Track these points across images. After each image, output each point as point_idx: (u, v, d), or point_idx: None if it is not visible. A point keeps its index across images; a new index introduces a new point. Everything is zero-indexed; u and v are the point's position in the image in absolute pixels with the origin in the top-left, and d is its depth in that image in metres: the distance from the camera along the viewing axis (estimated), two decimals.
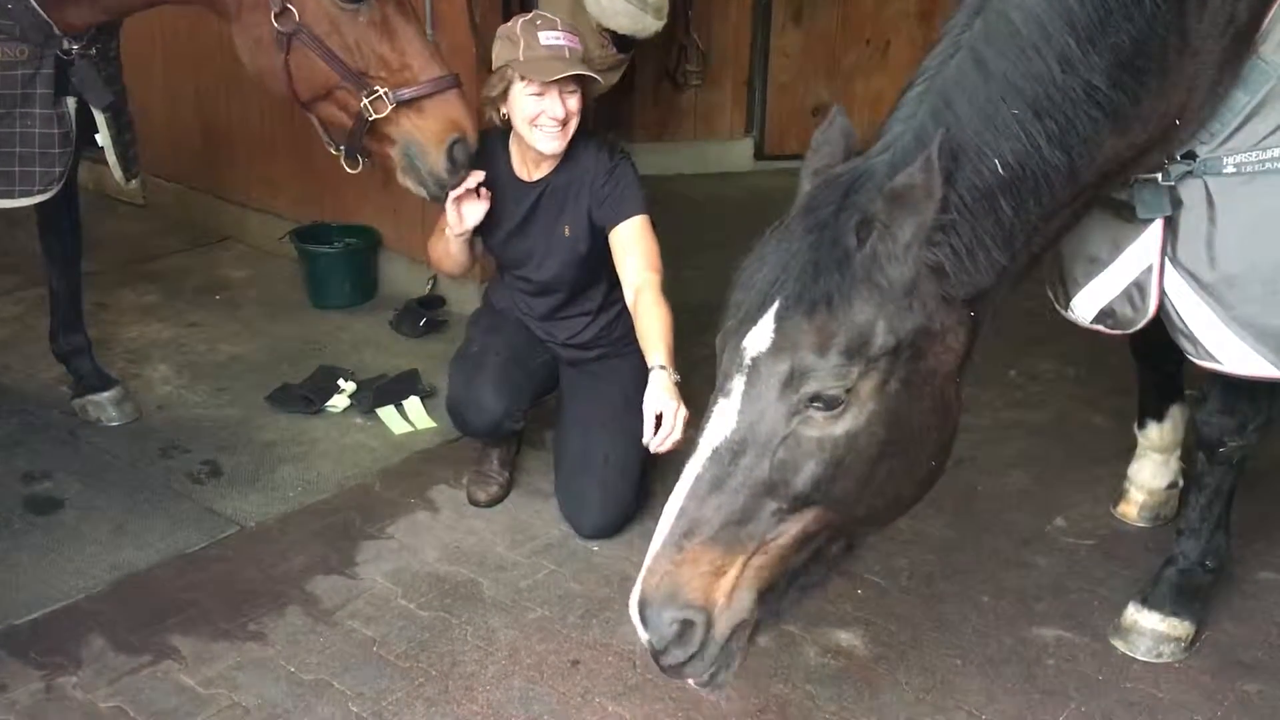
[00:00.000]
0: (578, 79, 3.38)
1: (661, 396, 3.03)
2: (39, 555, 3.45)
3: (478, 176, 3.41)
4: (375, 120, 3.23)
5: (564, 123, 3.40)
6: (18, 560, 3.43)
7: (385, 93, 3.19)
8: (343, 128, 3.34)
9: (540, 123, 3.39)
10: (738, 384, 2.02)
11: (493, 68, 3.45)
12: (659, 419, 3.00)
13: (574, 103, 3.40)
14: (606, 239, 3.55)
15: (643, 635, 2.05)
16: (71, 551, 3.48)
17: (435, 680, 3.00)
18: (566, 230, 3.57)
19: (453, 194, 3.40)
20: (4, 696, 2.91)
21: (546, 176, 3.57)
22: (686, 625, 2.01)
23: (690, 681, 2.13)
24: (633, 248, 3.46)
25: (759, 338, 2.01)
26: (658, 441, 3.00)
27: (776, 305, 2.00)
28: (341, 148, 3.38)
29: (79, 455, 3.98)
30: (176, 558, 3.47)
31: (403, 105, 3.22)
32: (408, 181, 3.37)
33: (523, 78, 3.35)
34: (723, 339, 2.11)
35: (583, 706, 2.93)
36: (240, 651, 3.09)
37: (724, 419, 2.02)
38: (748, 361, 2.01)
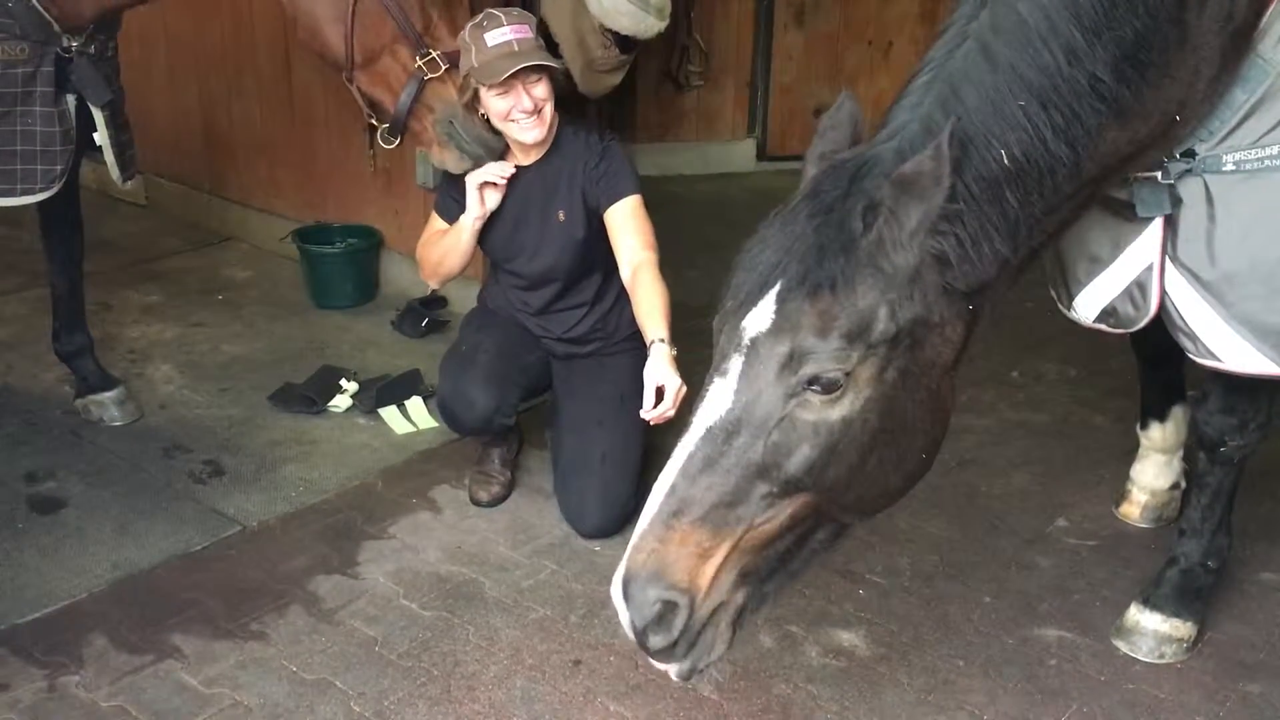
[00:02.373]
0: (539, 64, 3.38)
1: (664, 369, 3.06)
2: (42, 554, 3.46)
3: (509, 167, 3.52)
4: (423, 85, 3.38)
5: (536, 112, 3.41)
6: (21, 559, 3.43)
7: (438, 55, 3.36)
8: (383, 102, 3.49)
9: (513, 117, 3.41)
10: (735, 364, 2.01)
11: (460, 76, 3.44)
12: (659, 391, 3.02)
13: (540, 90, 3.40)
14: (598, 222, 3.57)
15: (624, 614, 2.03)
16: (74, 551, 3.48)
17: (437, 680, 3.00)
18: (561, 215, 3.59)
19: (483, 175, 3.47)
20: (7, 695, 2.92)
21: (537, 163, 3.59)
22: (669, 607, 1.99)
23: (670, 672, 2.11)
24: (628, 226, 3.49)
25: (759, 318, 2.00)
26: (655, 415, 3.03)
27: (779, 286, 1.99)
28: (380, 124, 3.55)
29: (82, 455, 3.98)
30: (179, 557, 3.48)
31: (451, 69, 3.38)
32: (447, 155, 3.47)
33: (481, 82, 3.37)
34: (721, 319, 2.10)
35: (585, 706, 2.93)
36: (242, 651, 3.09)
37: (720, 398, 2.01)
38: (746, 342, 2.01)
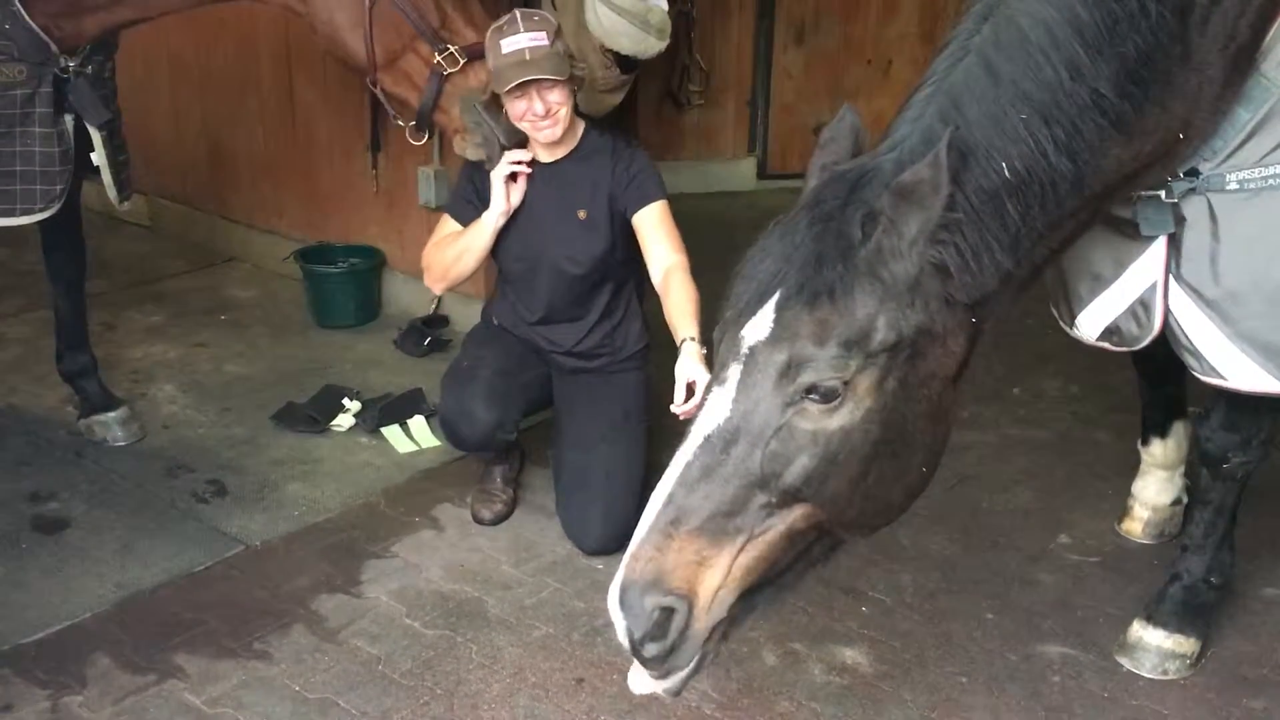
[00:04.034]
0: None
1: (694, 365, 3.05)
2: (45, 575, 3.46)
3: (527, 154, 3.55)
4: (444, 79, 3.45)
5: (550, 115, 3.44)
6: (24, 579, 3.43)
7: (456, 49, 3.43)
8: (408, 99, 3.56)
9: (528, 119, 3.44)
10: (734, 372, 2.01)
11: None
12: (690, 387, 3.02)
13: (555, 95, 3.43)
14: (619, 228, 3.60)
15: (620, 623, 2.02)
16: (77, 571, 3.48)
17: (440, 699, 3.00)
18: (582, 214, 3.61)
19: (508, 164, 3.50)
20: (10, 716, 2.91)
21: (559, 162, 3.61)
22: (667, 613, 1.98)
23: (657, 689, 2.10)
24: (658, 230, 3.53)
25: (758, 327, 2.00)
26: (685, 410, 3.00)
27: (778, 295, 1.99)
28: (406, 123, 3.63)
29: (85, 475, 3.99)
30: (182, 577, 3.48)
31: (470, 62, 3.44)
32: (469, 145, 3.53)
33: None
34: (720, 329, 2.10)
35: None
36: (246, 670, 3.09)
37: (718, 407, 2.00)
38: (745, 350, 2.00)
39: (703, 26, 6.57)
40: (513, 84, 3.33)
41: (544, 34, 3.37)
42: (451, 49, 3.44)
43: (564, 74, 3.40)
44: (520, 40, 3.34)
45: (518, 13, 3.41)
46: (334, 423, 4.34)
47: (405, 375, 4.70)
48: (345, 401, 4.42)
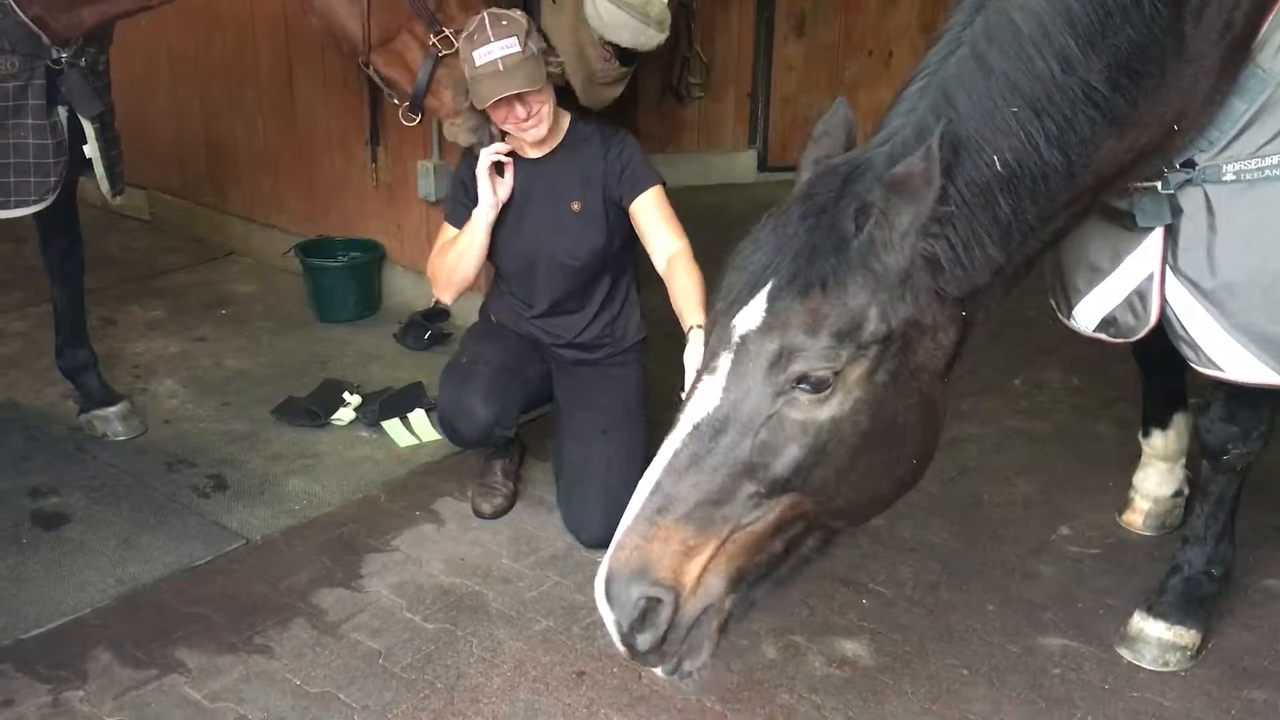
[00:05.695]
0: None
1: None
2: (46, 570, 3.46)
3: (509, 145, 3.55)
4: (438, 62, 3.45)
5: (532, 115, 3.44)
6: (25, 574, 3.44)
7: (450, 32, 3.42)
8: (399, 81, 3.57)
9: (510, 122, 3.45)
10: (724, 361, 2.00)
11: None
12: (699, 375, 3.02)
13: (534, 96, 3.41)
14: (614, 217, 3.60)
15: (607, 614, 2.01)
16: (78, 566, 3.49)
17: (441, 693, 3.01)
18: (576, 206, 3.60)
19: (489, 157, 3.49)
20: (11, 711, 2.92)
21: (550, 154, 3.61)
22: (653, 603, 1.97)
23: (657, 671, 2.10)
24: (658, 216, 3.54)
25: (750, 317, 2.00)
26: None
27: (770, 285, 1.99)
28: (400, 103, 3.63)
29: (86, 470, 3.99)
30: (182, 571, 3.48)
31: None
32: (460, 127, 3.52)
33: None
34: (712, 320, 2.10)
35: (588, 718, 2.93)
36: (246, 665, 3.10)
37: (708, 395, 2.00)
38: (736, 339, 2.00)
39: (703, 19, 6.55)
40: (489, 101, 3.33)
41: (515, 39, 3.32)
42: (447, 31, 3.44)
43: (539, 82, 3.38)
44: (493, 50, 3.30)
45: (486, 17, 3.35)
46: (334, 417, 4.34)
47: (405, 369, 4.70)
48: (345, 396, 4.42)
